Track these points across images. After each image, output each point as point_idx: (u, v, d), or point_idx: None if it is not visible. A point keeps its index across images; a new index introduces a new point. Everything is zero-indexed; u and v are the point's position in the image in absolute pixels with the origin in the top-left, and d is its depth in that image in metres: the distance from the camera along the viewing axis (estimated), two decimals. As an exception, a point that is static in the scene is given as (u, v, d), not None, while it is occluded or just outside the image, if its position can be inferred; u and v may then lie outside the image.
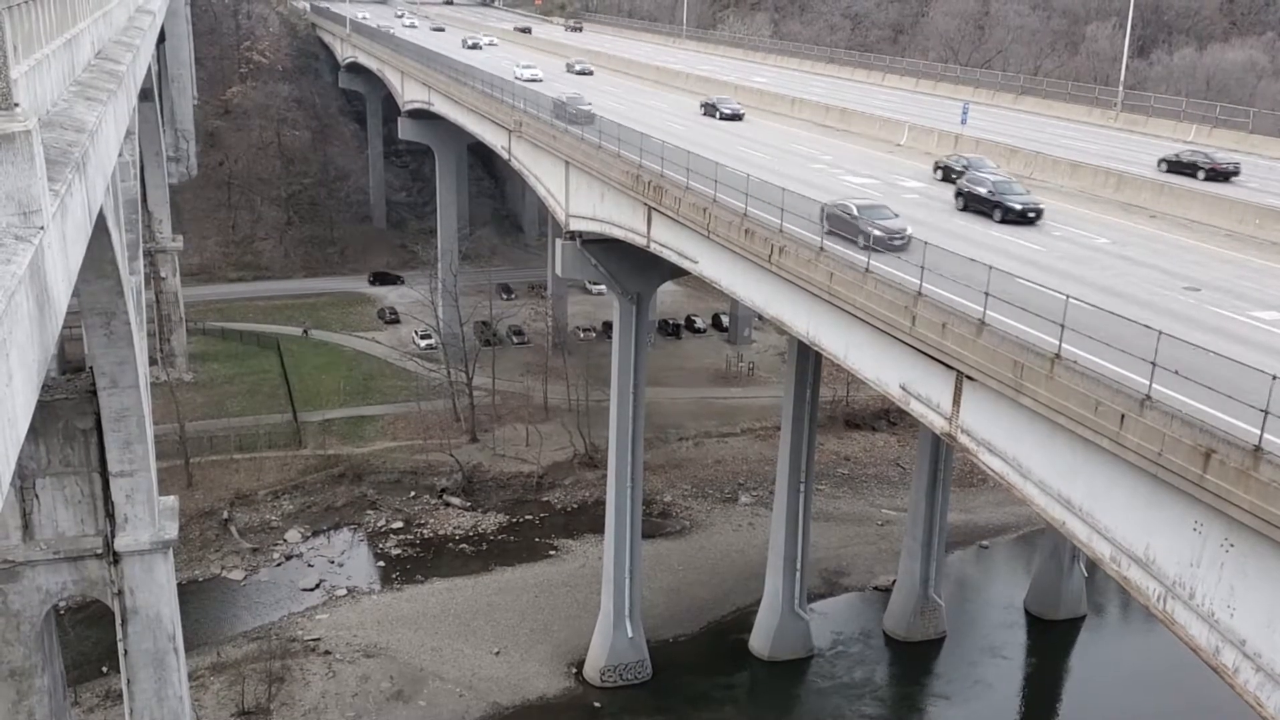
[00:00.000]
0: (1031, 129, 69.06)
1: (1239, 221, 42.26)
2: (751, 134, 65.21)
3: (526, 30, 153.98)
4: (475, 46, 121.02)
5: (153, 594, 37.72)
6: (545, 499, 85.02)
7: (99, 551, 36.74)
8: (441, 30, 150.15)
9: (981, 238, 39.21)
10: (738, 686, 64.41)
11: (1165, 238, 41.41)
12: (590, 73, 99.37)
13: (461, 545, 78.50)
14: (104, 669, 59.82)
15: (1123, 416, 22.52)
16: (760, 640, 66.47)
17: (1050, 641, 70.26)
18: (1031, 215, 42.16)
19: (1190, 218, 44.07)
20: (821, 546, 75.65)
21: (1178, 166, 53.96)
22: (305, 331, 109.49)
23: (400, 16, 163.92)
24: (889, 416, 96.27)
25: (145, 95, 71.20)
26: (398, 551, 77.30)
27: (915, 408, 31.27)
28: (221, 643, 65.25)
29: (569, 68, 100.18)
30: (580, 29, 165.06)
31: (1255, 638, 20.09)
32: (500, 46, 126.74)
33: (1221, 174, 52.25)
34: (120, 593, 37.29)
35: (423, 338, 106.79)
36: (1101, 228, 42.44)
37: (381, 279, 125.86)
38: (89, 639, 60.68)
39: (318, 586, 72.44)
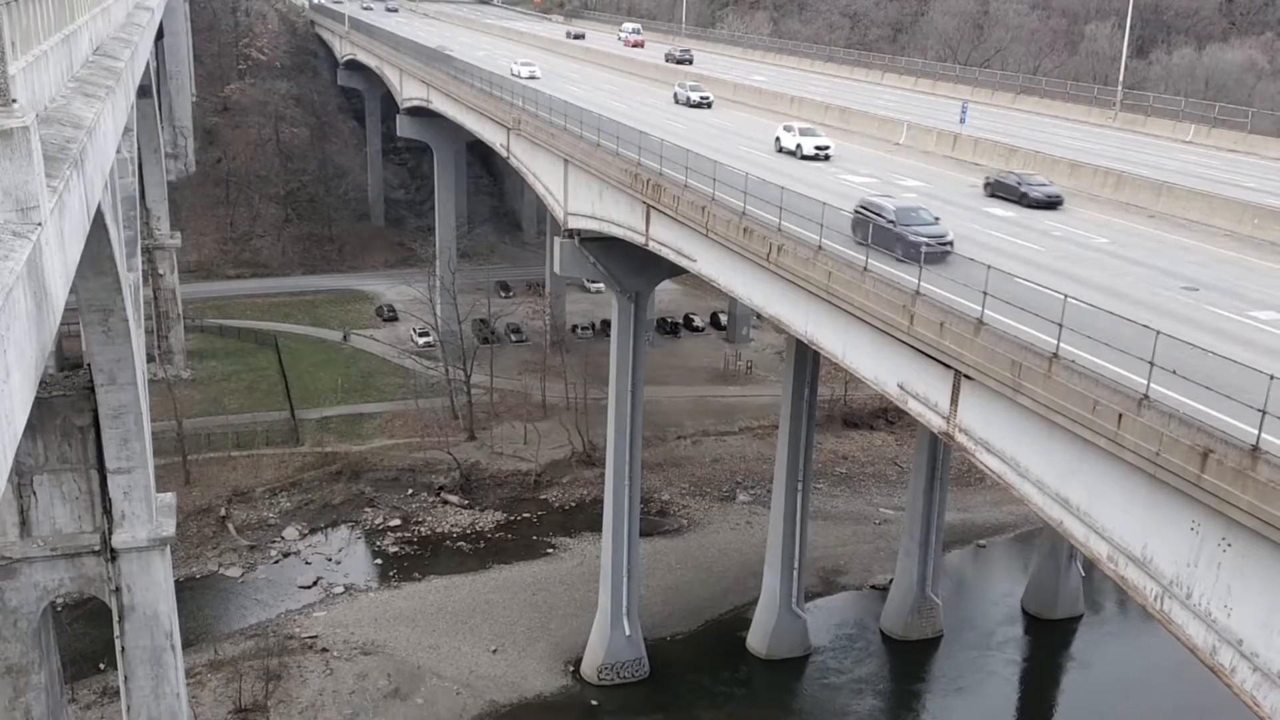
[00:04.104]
0: (1030, 128, 69.11)
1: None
2: (750, 131, 65.20)
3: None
4: (702, 103, 76.87)
5: (150, 591, 37.73)
6: (543, 497, 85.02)
7: (96, 548, 36.75)
8: (533, 67, 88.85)
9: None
10: (735, 685, 64.41)
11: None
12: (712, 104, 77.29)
13: (459, 543, 78.49)
14: (101, 666, 59.75)
15: (1120, 416, 22.51)
16: (758, 638, 66.51)
17: (1047, 641, 70.30)
18: None
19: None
20: (819, 545, 75.70)
21: None
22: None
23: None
24: (887, 415, 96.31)
25: (143, 92, 71.14)
26: (395, 549, 77.29)
27: (913, 407, 31.25)
28: (219, 640, 65.23)
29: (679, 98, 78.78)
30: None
31: (1252, 637, 20.09)
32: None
33: None
34: (118, 589, 37.30)
35: (421, 335, 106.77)
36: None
37: None
38: (86, 636, 60.58)
39: (315, 584, 72.43)
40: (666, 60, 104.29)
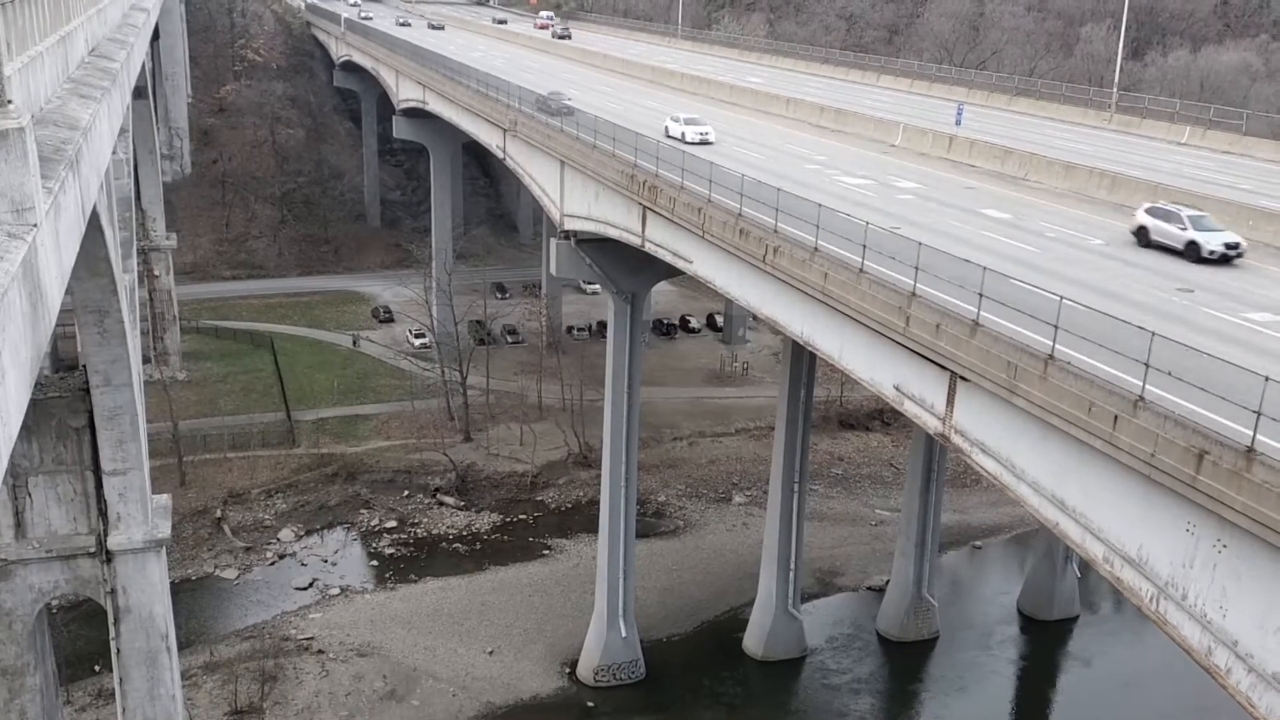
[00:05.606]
0: (1026, 130, 69.18)
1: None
2: (748, 134, 65.21)
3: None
4: (1230, 253, 36.44)
5: (146, 593, 37.70)
6: (539, 498, 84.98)
7: (92, 550, 36.72)
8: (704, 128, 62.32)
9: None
10: (731, 686, 64.41)
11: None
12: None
13: (455, 545, 78.45)
14: (96, 668, 59.64)
15: (1116, 417, 22.53)
16: (754, 640, 66.53)
17: (1043, 642, 70.36)
18: None
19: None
20: (815, 546, 75.71)
21: None
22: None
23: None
24: (883, 417, 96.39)
25: (139, 93, 71.09)
26: (391, 551, 77.22)
27: (909, 408, 31.25)
28: (214, 641, 65.15)
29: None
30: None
31: (1247, 639, 20.11)
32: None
33: None
34: (113, 591, 37.27)
35: (417, 336, 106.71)
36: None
37: None
38: (81, 637, 60.56)
39: (311, 585, 72.33)
40: (553, 37, 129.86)
